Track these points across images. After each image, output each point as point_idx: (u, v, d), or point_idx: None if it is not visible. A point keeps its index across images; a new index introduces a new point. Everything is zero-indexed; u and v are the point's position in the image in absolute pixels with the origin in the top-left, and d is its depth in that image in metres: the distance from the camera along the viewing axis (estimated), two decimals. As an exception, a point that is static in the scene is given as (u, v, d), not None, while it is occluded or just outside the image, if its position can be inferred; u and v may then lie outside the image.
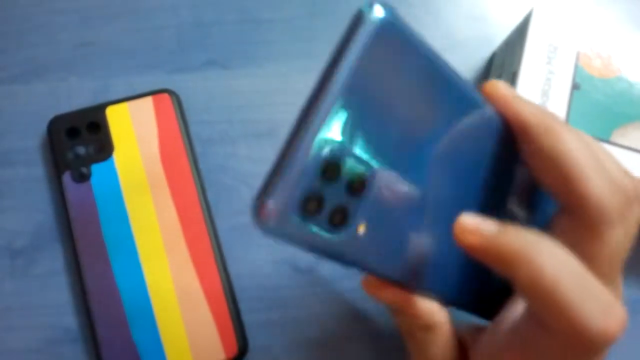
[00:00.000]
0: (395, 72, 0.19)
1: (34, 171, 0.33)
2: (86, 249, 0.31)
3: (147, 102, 0.33)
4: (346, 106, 0.18)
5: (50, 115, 0.33)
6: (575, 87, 0.31)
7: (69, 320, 0.31)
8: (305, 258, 0.33)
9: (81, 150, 0.32)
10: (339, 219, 0.18)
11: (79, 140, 0.32)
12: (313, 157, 0.17)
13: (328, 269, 0.33)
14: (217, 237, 0.32)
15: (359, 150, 0.18)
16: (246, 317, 0.31)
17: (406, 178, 0.20)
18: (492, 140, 0.23)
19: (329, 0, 0.38)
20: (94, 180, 0.32)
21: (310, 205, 0.17)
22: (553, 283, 0.19)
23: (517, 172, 0.25)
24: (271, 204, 0.17)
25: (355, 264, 0.19)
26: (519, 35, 0.33)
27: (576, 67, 0.31)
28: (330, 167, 0.18)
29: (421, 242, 0.22)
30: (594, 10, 0.38)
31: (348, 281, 0.32)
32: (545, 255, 0.19)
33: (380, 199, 0.19)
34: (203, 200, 0.32)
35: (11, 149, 0.34)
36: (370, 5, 0.18)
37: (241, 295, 0.32)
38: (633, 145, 0.30)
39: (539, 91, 0.31)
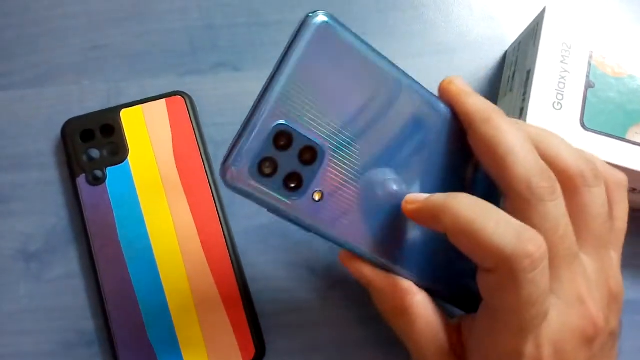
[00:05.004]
0: (337, 66, 0.22)
1: (47, 175, 0.33)
2: (102, 251, 0.30)
3: (161, 105, 0.33)
4: (294, 91, 0.21)
5: (64, 119, 0.33)
6: (589, 85, 0.31)
7: (85, 323, 0.31)
8: (321, 261, 0.33)
9: (95, 153, 0.32)
10: (294, 184, 0.21)
11: (93, 143, 0.32)
12: (264, 128, 0.20)
13: (344, 272, 0.32)
14: (233, 239, 0.32)
15: (307, 127, 0.21)
16: (263, 321, 0.31)
17: (360, 160, 0.23)
18: (444, 132, 0.25)
19: (337, 2, 0.38)
20: (109, 183, 0.32)
21: (265, 167, 0.21)
22: (468, 219, 0.22)
23: (470, 163, 0.27)
24: (231, 165, 0.20)
25: (312, 229, 0.22)
26: (532, 34, 0.33)
27: (590, 65, 0.31)
28: (281, 138, 0.21)
29: (384, 220, 0.24)
30: (606, 8, 0.38)
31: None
32: (460, 203, 0.22)
33: (337, 173, 0.22)
34: (218, 202, 0.32)
35: (25, 153, 0.34)
36: (314, 13, 0.21)
37: (257, 298, 0.31)
38: (648, 143, 0.30)
39: (554, 89, 0.31)
